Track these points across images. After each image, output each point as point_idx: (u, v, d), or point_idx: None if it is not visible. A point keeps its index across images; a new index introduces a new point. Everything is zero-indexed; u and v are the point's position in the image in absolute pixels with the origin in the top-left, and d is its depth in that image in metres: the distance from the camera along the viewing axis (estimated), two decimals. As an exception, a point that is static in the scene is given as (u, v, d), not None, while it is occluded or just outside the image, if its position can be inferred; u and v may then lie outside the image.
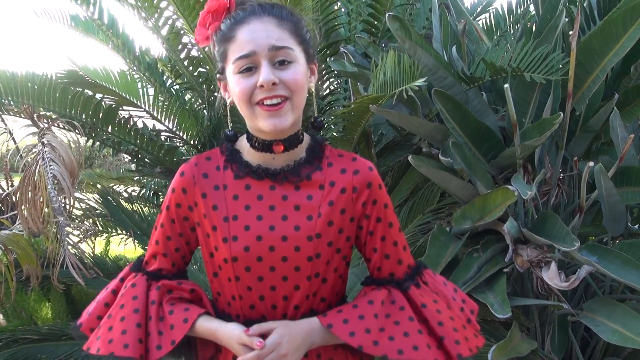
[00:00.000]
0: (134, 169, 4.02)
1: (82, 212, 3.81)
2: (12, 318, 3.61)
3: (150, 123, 3.49)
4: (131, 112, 3.38)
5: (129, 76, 3.32)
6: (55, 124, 3.11)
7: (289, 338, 1.30)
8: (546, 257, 2.38)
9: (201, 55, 3.36)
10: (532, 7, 3.60)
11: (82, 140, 3.32)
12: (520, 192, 2.25)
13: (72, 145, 3.11)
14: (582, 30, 2.65)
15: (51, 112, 3.17)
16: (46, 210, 2.90)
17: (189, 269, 1.54)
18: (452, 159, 2.46)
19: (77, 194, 3.94)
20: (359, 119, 2.80)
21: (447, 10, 2.93)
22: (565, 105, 2.49)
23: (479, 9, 4.08)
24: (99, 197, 3.98)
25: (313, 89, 1.39)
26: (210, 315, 1.40)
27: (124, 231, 3.89)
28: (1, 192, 3.76)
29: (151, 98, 3.34)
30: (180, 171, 1.40)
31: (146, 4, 3.27)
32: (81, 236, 3.28)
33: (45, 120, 3.13)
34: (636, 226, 2.66)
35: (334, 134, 3.26)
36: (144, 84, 3.46)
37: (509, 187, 2.28)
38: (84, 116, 3.19)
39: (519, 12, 3.80)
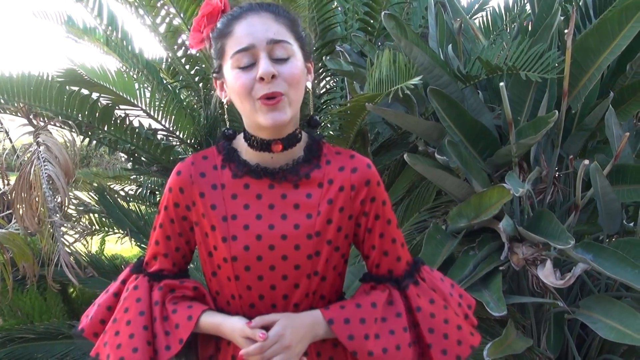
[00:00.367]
0: (130, 167, 4.02)
1: (77, 212, 3.81)
2: (9, 317, 3.61)
3: (146, 122, 3.49)
4: (128, 111, 3.38)
5: (125, 75, 3.32)
6: (52, 123, 3.11)
7: (292, 329, 1.30)
8: (542, 255, 2.39)
9: (198, 54, 3.36)
10: (528, 6, 3.61)
11: (78, 139, 3.31)
12: (513, 189, 2.26)
13: (68, 145, 3.10)
14: (577, 29, 2.65)
15: (47, 112, 3.17)
16: (42, 210, 2.89)
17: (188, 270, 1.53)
18: (448, 158, 2.47)
19: (73, 193, 3.94)
20: (355, 117, 2.81)
21: (443, 8, 2.93)
22: (560, 103, 2.49)
23: (475, 7, 4.09)
24: (95, 195, 3.97)
25: (310, 88, 1.39)
26: (213, 311, 1.40)
27: (120, 230, 3.88)
28: (-2, 191, 3.75)
29: (148, 97, 3.34)
30: (176, 170, 1.40)
31: (144, 2, 3.27)
32: (77, 235, 3.28)
33: (41, 120, 3.12)
34: (631, 224, 2.66)
35: (330, 132, 3.26)
36: (141, 83, 3.45)
37: (505, 185, 2.28)
38: (80, 115, 3.19)
39: (515, 10, 3.80)
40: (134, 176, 4.54)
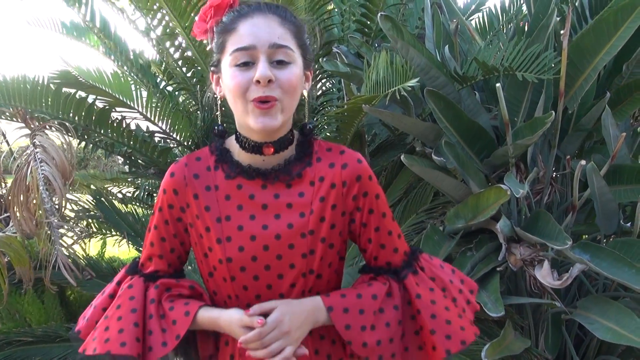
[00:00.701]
0: (127, 170, 4.01)
1: (75, 214, 3.80)
2: (6, 320, 3.60)
3: (143, 124, 3.49)
4: (124, 114, 3.37)
5: (122, 77, 3.31)
6: (48, 126, 3.10)
7: (291, 316, 1.29)
8: (539, 256, 2.39)
9: (194, 57, 3.36)
10: (524, 7, 3.61)
11: (75, 142, 3.31)
12: (512, 191, 2.26)
13: (65, 147, 3.10)
14: (573, 29, 2.66)
15: (44, 115, 3.16)
16: (39, 212, 2.89)
17: (184, 270, 1.53)
18: (445, 159, 2.47)
19: (70, 195, 3.93)
20: (352, 119, 2.81)
21: (439, 10, 2.94)
22: (557, 104, 2.49)
23: (471, 8, 4.09)
24: (92, 198, 3.97)
25: (306, 95, 1.38)
26: (210, 306, 1.39)
27: (118, 232, 3.87)
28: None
29: (144, 99, 3.34)
30: (170, 172, 1.39)
31: (139, 5, 3.26)
32: (75, 238, 3.27)
33: (37, 123, 3.12)
34: (628, 224, 2.67)
35: (328, 134, 3.26)
36: (137, 86, 3.45)
37: (502, 186, 2.29)
38: (76, 118, 3.19)
39: (511, 11, 3.80)
40: (131, 179, 4.53)
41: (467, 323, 1.40)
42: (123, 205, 4.08)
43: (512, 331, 2.48)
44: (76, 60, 3.25)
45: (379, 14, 2.46)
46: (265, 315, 1.29)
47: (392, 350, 1.33)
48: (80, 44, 3.71)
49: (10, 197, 2.95)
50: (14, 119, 3.18)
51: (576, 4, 2.73)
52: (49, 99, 3.12)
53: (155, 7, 3.22)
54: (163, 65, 3.77)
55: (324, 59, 2.87)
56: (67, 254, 2.98)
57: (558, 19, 2.53)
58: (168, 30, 3.35)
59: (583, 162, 2.35)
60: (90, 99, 3.23)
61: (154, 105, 3.36)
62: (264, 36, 1.25)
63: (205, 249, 1.37)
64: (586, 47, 2.40)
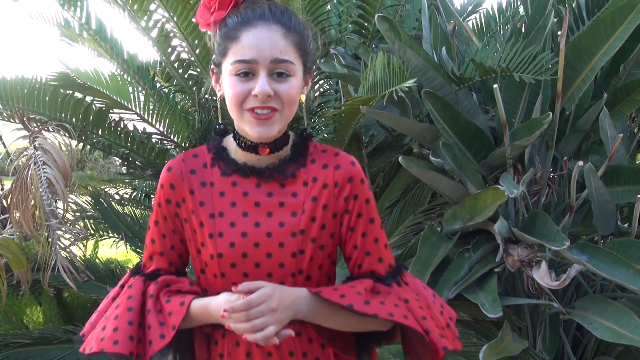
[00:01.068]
0: (125, 172, 4.01)
1: (73, 216, 3.80)
2: (3, 322, 3.59)
3: (140, 126, 3.49)
4: (122, 115, 3.37)
5: (119, 79, 3.31)
6: (46, 127, 3.10)
7: (280, 295, 1.26)
8: (537, 257, 2.39)
9: (192, 58, 3.36)
10: (521, 8, 3.61)
11: (73, 143, 3.31)
12: (507, 191, 2.26)
13: (64, 148, 3.09)
14: (571, 30, 2.66)
15: (41, 115, 3.16)
16: (38, 214, 2.88)
17: (186, 272, 1.53)
18: (442, 160, 2.47)
19: (71, 196, 3.93)
20: (350, 120, 2.81)
21: (436, 11, 2.94)
22: (554, 105, 2.50)
23: (468, 9, 4.09)
24: (90, 199, 3.96)
25: (303, 100, 1.39)
26: (204, 297, 1.38)
27: (115, 234, 3.87)
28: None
29: (142, 101, 3.34)
30: (167, 167, 1.40)
31: (135, 7, 3.26)
32: (73, 239, 3.26)
33: (35, 124, 3.11)
34: (626, 225, 2.67)
35: (325, 135, 3.26)
36: (135, 87, 3.44)
37: (499, 187, 2.29)
38: (74, 119, 3.18)
39: (508, 12, 3.81)
40: (129, 180, 4.52)
41: (450, 338, 1.38)
42: (120, 207, 4.08)
43: (509, 332, 2.48)
44: (74, 62, 3.25)
45: (376, 15, 2.46)
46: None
47: (403, 313, 1.30)
48: (78, 45, 3.69)
49: (10, 199, 2.94)
50: (12, 120, 3.18)
51: (573, 5, 2.74)
52: (47, 100, 3.11)
53: (151, 8, 3.22)
54: (160, 67, 3.77)
55: (322, 60, 2.87)
56: (66, 256, 2.97)
57: (555, 20, 2.53)
58: (164, 32, 3.34)
59: (580, 163, 2.35)
60: (88, 99, 3.22)
61: (151, 106, 3.36)
62: (265, 51, 1.26)
63: (198, 244, 1.38)
64: (583, 48, 2.41)
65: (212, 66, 1.38)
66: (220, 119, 1.43)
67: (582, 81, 2.48)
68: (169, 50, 3.46)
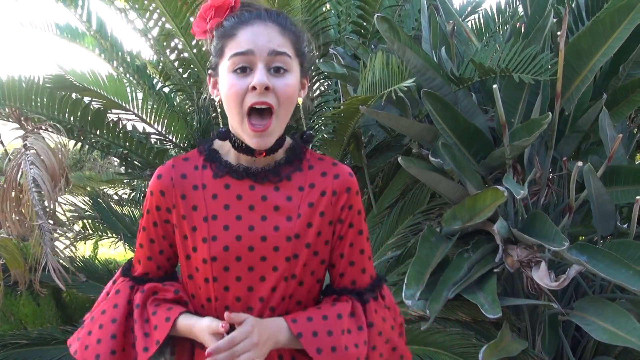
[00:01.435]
0: (123, 171, 4.00)
1: (71, 215, 3.79)
2: (1, 322, 3.59)
3: (139, 126, 3.48)
4: (120, 115, 3.37)
5: (117, 79, 3.30)
6: (43, 127, 3.09)
7: (260, 329, 1.29)
8: (536, 257, 2.39)
9: (190, 58, 3.35)
10: (520, 8, 3.61)
11: (70, 143, 3.30)
12: (513, 192, 2.26)
13: (59, 147, 3.08)
14: (570, 31, 2.66)
15: (39, 115, 3.15)
16: (30, 214, 2.87)
17: (175, 272, 1.53)
18: (441, 160, 2.47)
19: (67, 197, 3.92)
20: (349, 120, 2.80)
21: (436, 11, 2.94)
22: (554, 105, 2.50)
23: (468, 10, 4.09)
24: (89, 199, 3.96)
25: (300, 104, 1.38)
26: (190, 313, 1.40)
27: (114, 234, 3.87)
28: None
29: (140, 101, 3.33)
30: (157, 174, 1.40)
31: (136, 6, 3.26)
32: (71, 239, 3.26)
33: (32, 124, 3.10)
34: (625, 225, 2.67)
35: (324, 135, 3.26)
36: (133, 87, 3.44)
37: (499, 187, 2.29)
38: (72, 119, 3.18)
39: (507, 12, 3.81)
40: (127, 180, 4.52)
41: (396, 357, 1.47)
42: (119, 207, 4.07)
43: (509, 333, 2.47)
44: (70, 63, 3.24)
45: (376, 15, 2.45)
46: (232, 328, 1.29)
47: None
48: (75, 45, 3.69)
49: (1, 199, 2.93)
50: (10, 120, 3.17)
51: (573, 5, 2.74)
52: (44, 100, 3.11)
53: (151, 7, 3.22)
54: (160, 66, 3.77)
55: (321, 60, 2.87)
56: (57, 256, 2.96)
57: (554, 20, 2.53)
58: (164, 32, 3.34)
59: (580, 163, 2.35)
60: (86, 100, 3.21)
61: (149, 106, 3.35)
62: (262, 44, 1.26)
63: (188, 250, 1.38)
64: (583, 49, 2.40)
65: (209, 71, 1.38)
66: (221, 124, 1.43)
67: (582, 81, 2.48)
68: (169, 50, 3.45)
